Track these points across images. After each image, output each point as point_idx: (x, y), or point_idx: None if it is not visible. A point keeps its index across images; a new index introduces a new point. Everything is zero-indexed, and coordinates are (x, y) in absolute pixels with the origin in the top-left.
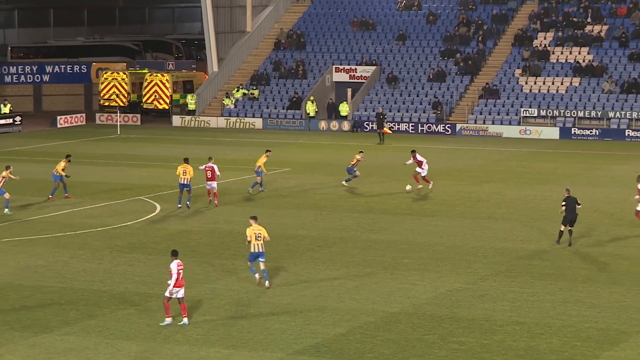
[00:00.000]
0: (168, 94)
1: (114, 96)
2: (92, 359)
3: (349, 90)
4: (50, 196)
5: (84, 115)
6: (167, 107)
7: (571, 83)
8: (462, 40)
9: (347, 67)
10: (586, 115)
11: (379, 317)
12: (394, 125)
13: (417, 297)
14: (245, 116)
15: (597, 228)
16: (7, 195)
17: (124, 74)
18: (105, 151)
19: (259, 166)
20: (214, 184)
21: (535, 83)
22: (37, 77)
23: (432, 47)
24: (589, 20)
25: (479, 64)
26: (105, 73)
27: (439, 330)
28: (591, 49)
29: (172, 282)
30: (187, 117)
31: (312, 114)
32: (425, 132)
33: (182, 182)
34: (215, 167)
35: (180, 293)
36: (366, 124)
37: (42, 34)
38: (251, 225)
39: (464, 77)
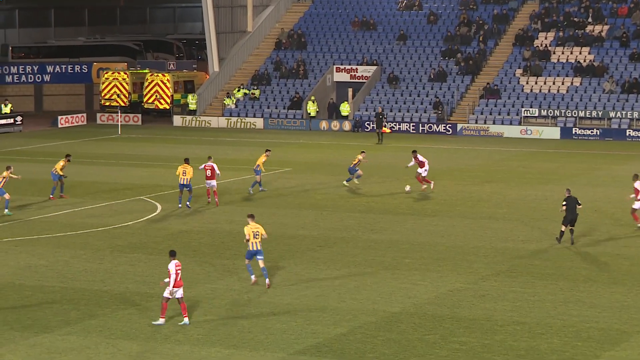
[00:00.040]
0: (169, 94)
1: (114, 96)
2: (92, 358)
3: (350, 90)
4: (50, 196)
5: (84, 115)
6: (168, 107)
7: (572, 83)
8: (463, 40)
9: (348, 67)
10: (587, 115)
11: (380, 317)
12: (395, 125)
13: (418, 297)
14: (246, 116)
15: (598, 228)
16: (7, 196)
17: (125, 73)
18: (106, 151)
19: (258, 165)
20: (214, 182)
21: (536, 83)
22: (38, 77)
23: (433, 47)
24: (589, 20)
25: (479, 64)
26: (106, 73)
27: (440, 330)
28: (592, 48)
29: (171, 282)
30: (188, 117)
31: (313, 114)
32: (426, 132)
33: (182, 183)
34: (215, 165)
35: (179, 293)
36: (367, 124)
37: (43, 33)
38: (249, 224)
39: (465, 77)
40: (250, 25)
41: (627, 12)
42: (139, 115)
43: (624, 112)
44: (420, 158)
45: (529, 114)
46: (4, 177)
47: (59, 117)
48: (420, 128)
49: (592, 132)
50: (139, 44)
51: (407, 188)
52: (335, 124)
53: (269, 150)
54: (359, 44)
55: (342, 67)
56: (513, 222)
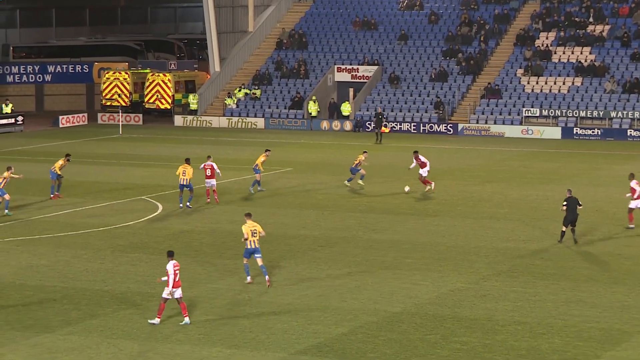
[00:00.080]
0: (170, 94)
1: (115, 96)
2: (93, 358)
3: (351, 90)
4: (51, 195)
5: (86, 115)
6: (169, 107)
7: (573, 83)
8: (464, 40)
9: (349, 66)
10: (588, 115)
11: (381, 316)
12: (396, 125)
13: (419, 297)
14: (247, 116)
15: (599, 228)
16: (7, 197)
17: (126, 73)
18: (107, 151)
19: (257, 164)
20: (214, 181)
21: (537, 83)
22: (39, 76)
23: (434, 47)
24: (590, 20)
25: (481, 64)
26: (107, 73)
27: (441, 330)
28: (593, 48)
29: (169, 282)
30: (189, 117)
31: (314, 113)
32: (427, 132)
33: (182, 183)
34: (214, 165)
35: (178, 293)
36: (368, 124)
37: (44, 33)
38: (246, 222)
39: (466, 77)
40: (251, 25)
41: (628, 12)
42: (140, 115)
43: (625, 112)
44: (422, 159)
45: (530, 114)
46: (4, 178)
47: (60, 117)
48: (421, 128)
49: (593, 132)
50: (140, 44)
51: (407, 189)
52: (336, 124)
53: (269, 150)
54: (360, 44)
55: (343, 67)
56: (514, 222)
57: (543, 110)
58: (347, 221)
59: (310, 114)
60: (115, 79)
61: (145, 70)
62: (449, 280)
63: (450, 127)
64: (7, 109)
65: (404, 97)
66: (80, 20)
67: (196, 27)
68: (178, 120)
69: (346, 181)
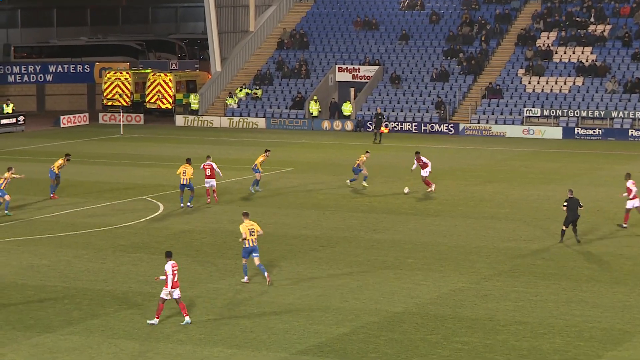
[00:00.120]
0: (171, 94)
1: (117, 96)
2: (95, 358)
3: (352, 90)
4: (50, 195)
5: (87, 114)
6: (170, 107)
7: (574, 83)
8: (465, 40)
9: (350, 66)
10: (589, 115)
11: (382, 316)
12: (397, 125)
13: (421, 297)
14: (248, 116)
15: (600, 228)
16: (7, 197)
17: (127, 73)
18: (108, 151)
19: (256, 164)
20: (213, 181)
21: (538, 83)
22: (40, 76)
23: (435, 47)
24: (592, 20)
25: (482, 64)
26: (109, 73)
27: (442, 330)
28: (594, 48)
29: (168, 283)
30: (190, 117)
31: (315, 113)
32: (428, 131)
33: (182, 183)
34: (214, 164)
35: (176, 293)
36: (369, 124)
37: (45, 33)
38: (243, 222)
39: (467, 77)
40: (252, 25)
41: (629, 12)
42: (141, 115)
43: (626, 112)
44: (424, 159)
45: (531, 114)
46: (5, 179)
47: (61, 117)
48: (423, 128)
49: (594, 132)
50: (141, 44)
51: (406, 190)
52: (337, 124)
53: (269, 151)
54: (361, 44)
55: (344, 66)
56: (515, 222)
57: (544, 110)
58: (348, 221)
59: (312, 114)
60: (116, 78)
61: (146, 70)
62: (450, 280)
63: (451, 127)
64: (9, 109)
65: (405, 97)
66: (81, 20)
67: (197, 27)
68: (179, 120)
69: (348, 180)
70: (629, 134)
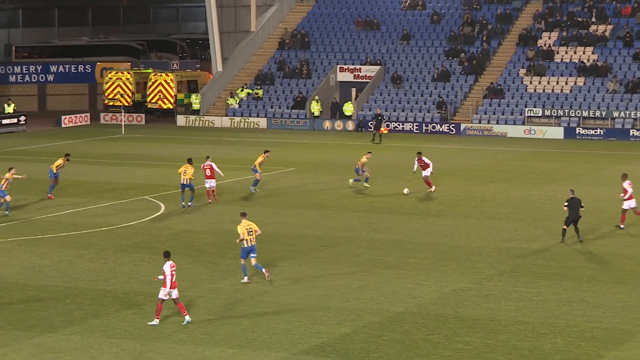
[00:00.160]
0: (172, 94)
1: (118, 96)
2: (96, 358)
3: (354, 90)
4: (48, 195)
5: (88, 115)
6: (171, 107)
7: (575, 83)
8: (467, 40)
9: (351, 66)
10: (590, 115)
11: (383, 316)
12: (398, 125)
13: (422, 297)
14: (250, 116)
15: (601, 228)
16: (8, 198)
17: (129, 73)
18: (110, 151)
19: (255, 165)
20: (213, 182)
21: (539, 83)
22: (42, 76)
23: (436, 47)
24: (593, 20)
25: (483, 64)
26: (110, 73)
27: (443, 330)
28: (595, 48)
29: (167, 283)
30: (192, 117)
31: (316, 113)
32: (429, 131)
33: (183, 182)
34: (214, 165)
35: (175, 294)
36: (370, 124)
37: (46, 33)
38: (241, 222)
39: (469, 77)
40: (253, 25)
41: (630, 12)
42: (143, 115)
43: (627, 112)
44: (426, 160)
45: (532, 114)
46: (6, 179)
47: (63, 117)
48: (424, 128)
49: (595, 132)
50: (142, 44)
51: (406, 191)
52: (338, 124)
53: (268, 151)
54: (362, 44)
55: (345, 66)
56: (517, 222)
57: (545, 110)
58: (349, 221)
59: (313, 113)
60: (117, 78)
61: (147, 70)
62: (452, 280)
63: (452, 127)
64: (10, 109)
65: (406, 97)
66: (82, 20)
67: (198, 27)
68: (180, 120)
69: (351, 180)
70: (630, 134)
